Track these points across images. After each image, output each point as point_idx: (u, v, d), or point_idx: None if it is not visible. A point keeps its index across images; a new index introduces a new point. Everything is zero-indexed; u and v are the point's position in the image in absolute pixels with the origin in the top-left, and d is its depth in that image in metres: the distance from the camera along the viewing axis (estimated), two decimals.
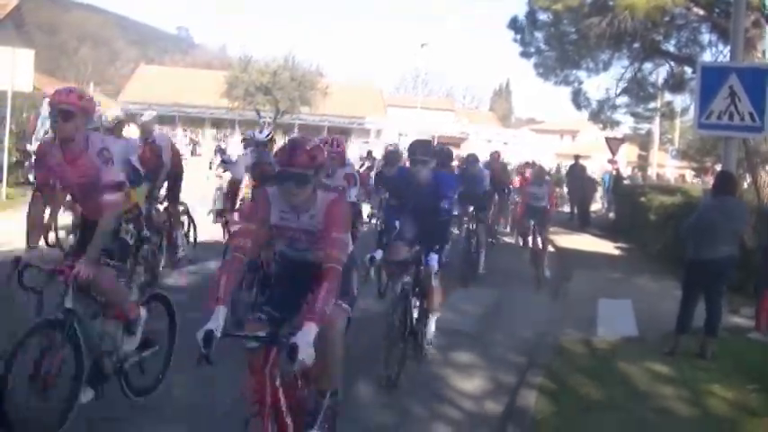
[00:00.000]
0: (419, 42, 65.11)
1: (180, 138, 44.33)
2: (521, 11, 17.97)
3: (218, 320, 3.61)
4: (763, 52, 13.25)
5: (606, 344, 8.03)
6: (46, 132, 13.96)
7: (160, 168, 9.22)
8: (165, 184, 9.75)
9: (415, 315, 6.69)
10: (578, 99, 18.36)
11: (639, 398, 6.17)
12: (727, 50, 11.66)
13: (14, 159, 17.01)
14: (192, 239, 10.91)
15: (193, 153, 42.50)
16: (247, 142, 10.98)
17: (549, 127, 66.70)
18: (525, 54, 17.90)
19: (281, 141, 11.25)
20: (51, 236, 9.34)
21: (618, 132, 23.97)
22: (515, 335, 8.32)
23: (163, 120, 44.62)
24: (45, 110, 16.43)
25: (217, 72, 51.71)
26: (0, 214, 13.42)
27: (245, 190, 8.26)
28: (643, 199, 17.15)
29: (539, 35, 17.59)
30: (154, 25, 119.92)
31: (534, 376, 6.59)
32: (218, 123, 52.98)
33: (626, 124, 24.97)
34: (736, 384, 6.50)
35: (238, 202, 8.33)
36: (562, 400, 5.98)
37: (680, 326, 7.63)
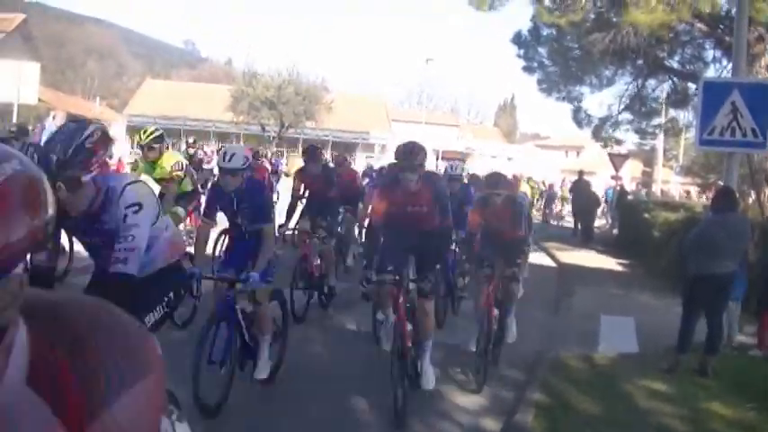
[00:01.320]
0: (425, 57, 65.40)
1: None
2: (525, 25, 18.00)
3: None
4: (767, 67, 13.24)
5: (606, 360, 7.97)
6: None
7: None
8: None
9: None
10: (579, 116, 18.47)
11: (638, 414, 6.11)
12: (731, 66, 11.64)
13: None
14: None
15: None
16: None
17: (554, 143, 66.75)
18: (528, 69, 18.02)
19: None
20: None
21: (622, 149, 23.99)
22: (515, 351, 8.25)
23: (168, 133, 44.86)
24: (50, 123, 16.59)
25: (222, 86, 51.98)
26: None
27: None
28: (647, 215, 17.10)
29: (542, 50, 17.71)
30: (160, 39, 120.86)
31: (533, 392, 6.54)
32: (222, 137, 53.17)
33: (630, 141, 24.95)
34: (735, 402, 6.44)
35: None
36: (560, 417, 5.92)
37: (681, 345, 7.56)
